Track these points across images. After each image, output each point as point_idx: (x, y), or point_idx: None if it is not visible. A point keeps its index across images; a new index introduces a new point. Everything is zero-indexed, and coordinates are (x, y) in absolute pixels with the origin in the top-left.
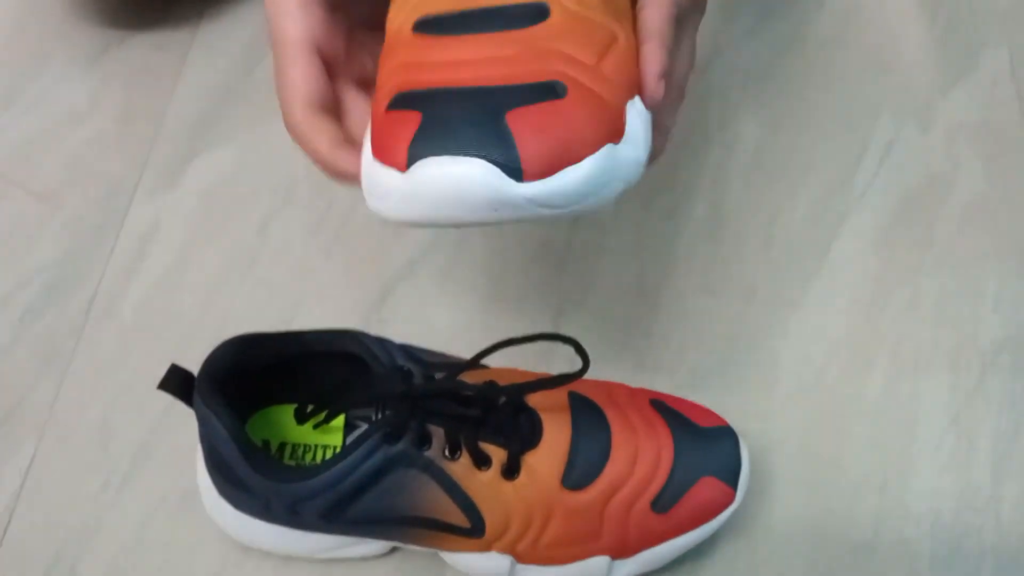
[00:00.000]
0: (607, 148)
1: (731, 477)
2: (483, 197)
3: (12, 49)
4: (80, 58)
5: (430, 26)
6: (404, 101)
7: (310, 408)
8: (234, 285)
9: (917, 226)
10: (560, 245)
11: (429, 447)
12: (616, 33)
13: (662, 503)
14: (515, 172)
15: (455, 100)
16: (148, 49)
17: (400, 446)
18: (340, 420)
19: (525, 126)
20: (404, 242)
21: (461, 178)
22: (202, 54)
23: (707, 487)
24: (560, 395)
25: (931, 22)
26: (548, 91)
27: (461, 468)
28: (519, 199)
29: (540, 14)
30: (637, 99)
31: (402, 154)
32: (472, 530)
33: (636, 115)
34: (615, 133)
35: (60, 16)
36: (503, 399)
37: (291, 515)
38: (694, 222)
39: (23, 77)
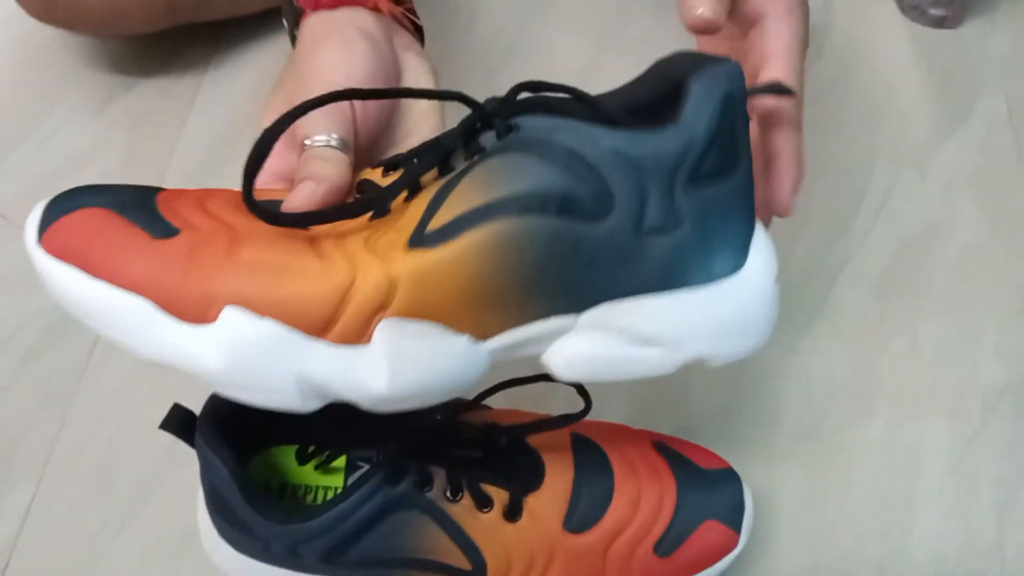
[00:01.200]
0: None
1: (735, 521)
2: None
3: (19, 93)
4: (87, 103)
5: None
6: None
7: (311, 449)
8: None
9: (916, 272)
10: None
11: (430, 488)
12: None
13: (665, 547)
14: None
15: None
16: (155, 95)
17: (401, 487)
18: (341, 461)
19: None
20: None
21: None
22: (209, 100)
23: (710, 531)
24: (562, 436)
25: (928, 71)
26: None
27: (462, 510)
28: None
29: None
30: None
31: None
32: (473, 572)
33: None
34: None
35: (68, 62)
36: (505, 440)
37: (291, 557)
38: None
39: (29, 121)
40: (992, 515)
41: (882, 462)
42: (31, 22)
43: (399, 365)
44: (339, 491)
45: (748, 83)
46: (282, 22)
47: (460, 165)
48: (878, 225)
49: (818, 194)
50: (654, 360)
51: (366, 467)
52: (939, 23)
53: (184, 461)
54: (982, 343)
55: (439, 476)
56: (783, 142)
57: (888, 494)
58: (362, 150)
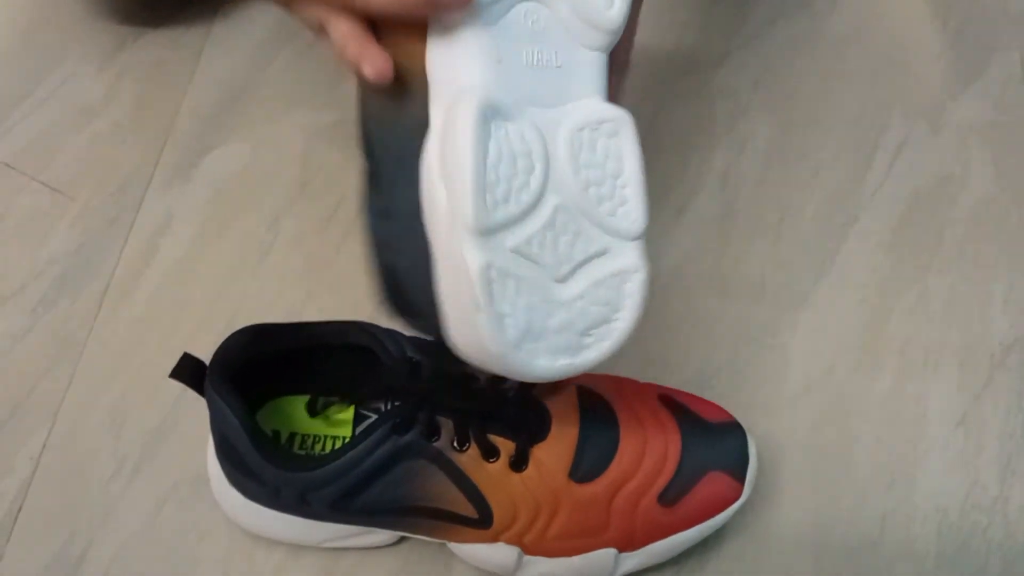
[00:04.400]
0: None
1: (739, 472)
2: None
3: (28, 45)
4: (96, 54)
5: None
6: None
7: (321, 402)
8: (246, 277)
9: (927, 227)
10: None
11: (438, 438)
12: None
13: (669, 497)
14: None
15: None
16: (163, 46)
17: (409, 437)
18: (349, 411)
19: None
20: None
21: None
22: (216, 51)
23: (714, 482)
24: (568, 388)
25: (943, 25)
26: None
27: (469, 459)
28: None
29: None
30: None
31: None
32: (480, 521)
33: None
34: None
35: (77, 13)
36: (512, 392)
37: (300, 504)
38: (704, 220)
39: (39, 72)
40: (996, 469)
41: (888, 415)
42: None
43: None
44: (347, 440)
45: None
46: None
47: None
48: (890, 180)
49: (830, 148)
50: None
51: (374, 417)
52: None
53: (195, 409)
54: (991, 298)
55: (446, 426)
56: None
57: (893, 447)
58: None
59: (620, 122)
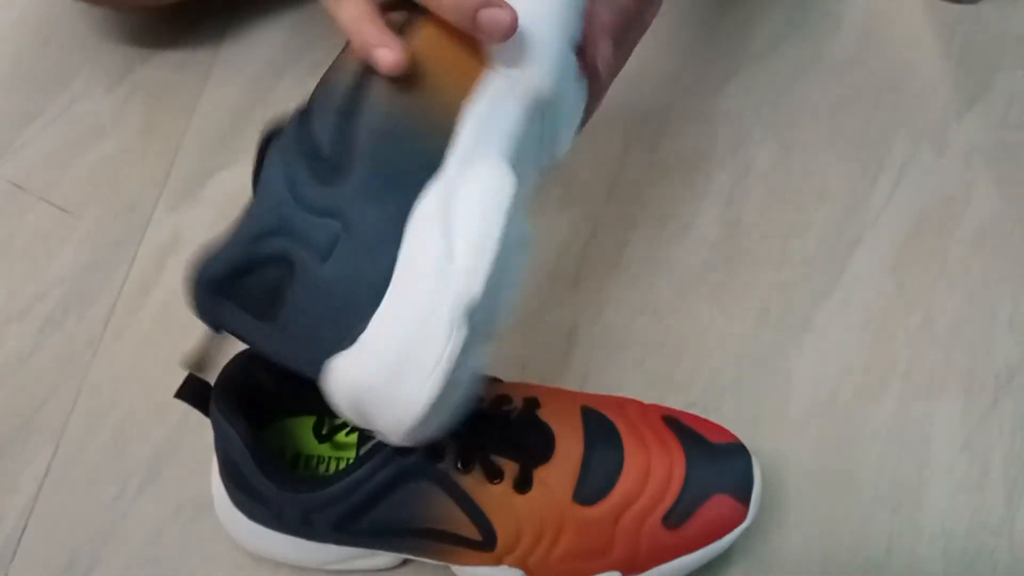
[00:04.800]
0: None
1: (743, 495)
2: None
3: (38, 65)
4: (104, 75)
5: None
6: None
7: (327, 427)
8: None
9: (931, 248)
10: (574, 262)
11: (441, 460)
12: None
13: (673, 519)
14: None
15: None
16: (171, 68)
17: (412, 458)
18: (353, 435)
19: None
20: None
21: None
22: (224, 73)
23: (719, 504)
24: (573, 409)
25: (946, 46)
26: None
27: (473, 481)
28: None
29: None
30: None
31: None
32: (483, 543)
33: None
34: None
35: (85, 35)
36: (515, 413)
37: (304, 525)
38: (708, 241)
39: (48, 93)
40: (1002, 492)
41: (893, 438)
42: None
43: None
44: (351, 461)
45: None
46: None
47: None
48: (894, 201)
49: (834, 170)
50: None
51: (378, 438)
52: None
53: (200, 430)
54: (996, 320)
55: (450, 447)
56: None
57: (899, 470)
58: None
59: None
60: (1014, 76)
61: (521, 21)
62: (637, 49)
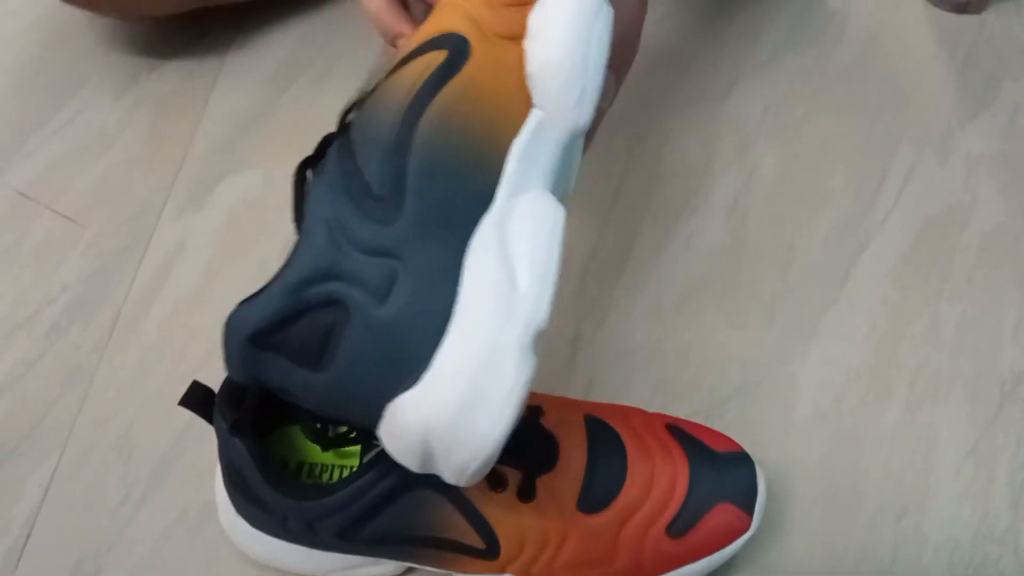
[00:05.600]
0: None
1: (747, 503)
2: None
3: (44, 75)
4: (111, 84)
5: None
6: None
7: (332, 434)
8: None
9: (936, 255)
10: (578, 269)
11: None
12: None
13: (677, 528)
14: None
15: None
16: (177, 77)
17: None
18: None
19: None
20: None
21: None
22: (230, 81)
23: (723, 513)
24: (576, 418)
25: (951, 54)
26: None
27: (476, 489)
28: None
29: None
30: None
31: None
32: (487, 551)
33: None
34: None
35: (92, 43)
36: (519, 421)
37: (307, 533)
38: (712, 248)
39: (54, 102)
40: (1008, 500)
41: (898, 445)
42: (55, 3)
43: None
44: (355, 469)
45: None
46: (302, 6)
47: None
48: (899, 208)
49: (839, 177)
50: None
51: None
52: (962, 8)
53: (204, 437)
54: (1001, 328)
55: None
56: None
57: (904, 477)
58: None
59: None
60: (1018, 86)
61: (565, 60)
62: (642, 57)
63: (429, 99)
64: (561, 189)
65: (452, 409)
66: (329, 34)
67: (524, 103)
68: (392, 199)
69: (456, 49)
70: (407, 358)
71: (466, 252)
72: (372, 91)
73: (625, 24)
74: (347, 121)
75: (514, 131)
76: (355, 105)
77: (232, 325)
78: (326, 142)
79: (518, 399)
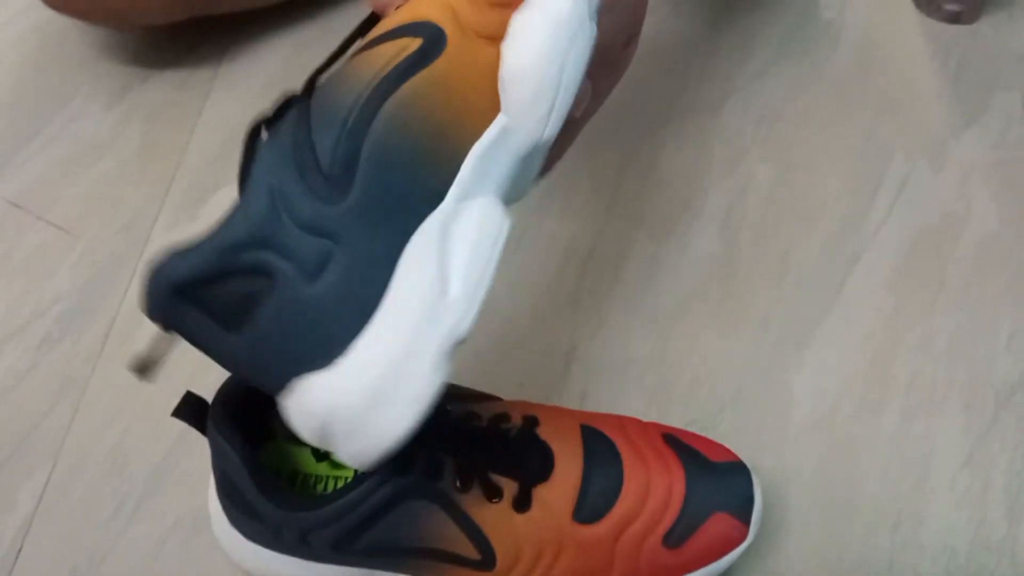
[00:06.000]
0: None
1: (744, 513)
2: None
3: (37, 84)
4: (103, 94)
5: None
6: None
7: None
8: None
9: (930, 264)
10: (573, 279)
11: (440, 478)
12: None
13: (674, 538)
14: None
15: None
16: (171, 86)
17: (411, 477)
18: None
19: None
20: None
21: None
22: (223, 92)
23: (719, 523)
24: (572, 427)
25: (944, 64)
26: None
27: (472, 500)
28: None
29: None
30: None
31: None
32: (482, 562)
33: None
34: None
35: (84, 52)
36: (514, 431)
37: (301, 545)
38: (707, 257)
39: (47, 111)
40: (1003, 509)
41: (894, 455)
42: (48, 12)
43: None
44: (349, 480)
45: None
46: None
47: None
48: (892, 217)
49: (832, 186)
50: None
51: None
52: (955, 18)
53: (197, 447)
54: (996, 337)
55: (449, 466)
56: None
57: (899, 487)
58: None
59: None
60: (1011, 95)
61: (538, 70)
62: (636, 67)
63: (395, 86)
64: (512, 198)
65: (360, 400)
66: (323, 44)
67: (491, 107)
68: (340, 180)
69: (431, 39)
70: (325, 340)
71: (405, 247)
72: (345, 60)
73: (614, 34)
74: (316, 84)
75: (476, 134)
76: (326, 67)
77: (158, 272)
78: (287, 103)
79: (426, 402)
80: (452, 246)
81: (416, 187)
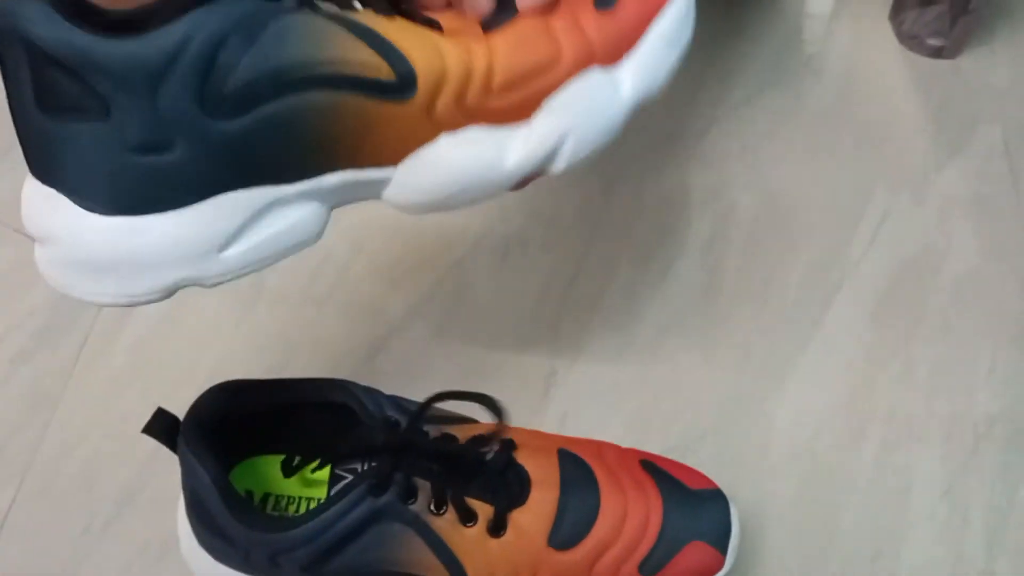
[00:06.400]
0: None
1: (720, 542)
2: None
3: None
4: None
5: None
6: None
7: (297, 461)
8: (227, 333)
9: (911, 297)
10: (555, 304)
11: (414, 501)
12: None
13: (650, 566)
14: None
15: None
16: None
17: (385, 498)
18: (325, 472)
19: None
20: (398, 296)
21: None
22: None
23: (696, 551)
24: (549, 452)
25: (926, 98)
26: None
27: (446, 523)
28: None
29: None
30: None
31: None
32: None
33: None
34: None
35: None
36: (490, 454)
37: (271, 567)
38: (688, 286)
39: None
40: (982, 541)
41: (873, 485)
42: None
43: None
44: (322, 501)
45: None
46: None
47: None
48: (874, 249)
49: (814, 217)
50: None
51: (350, 478)
52: (937, 53)
53: (168, 466)
54: (976, 369)
55: (424, 489)
56: None
57: (878, 518)
58: None
59: None
60: (992, 129)
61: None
62: None
63: (341, 87)
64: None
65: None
66: None
67: (389, 159)
68: (230, 103)
69: (398, 85)
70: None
71: (231, 192)
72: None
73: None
74: (315, 4)
75: (361, 167)
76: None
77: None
78: None
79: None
80: (261, 221)
81: (280, 163)
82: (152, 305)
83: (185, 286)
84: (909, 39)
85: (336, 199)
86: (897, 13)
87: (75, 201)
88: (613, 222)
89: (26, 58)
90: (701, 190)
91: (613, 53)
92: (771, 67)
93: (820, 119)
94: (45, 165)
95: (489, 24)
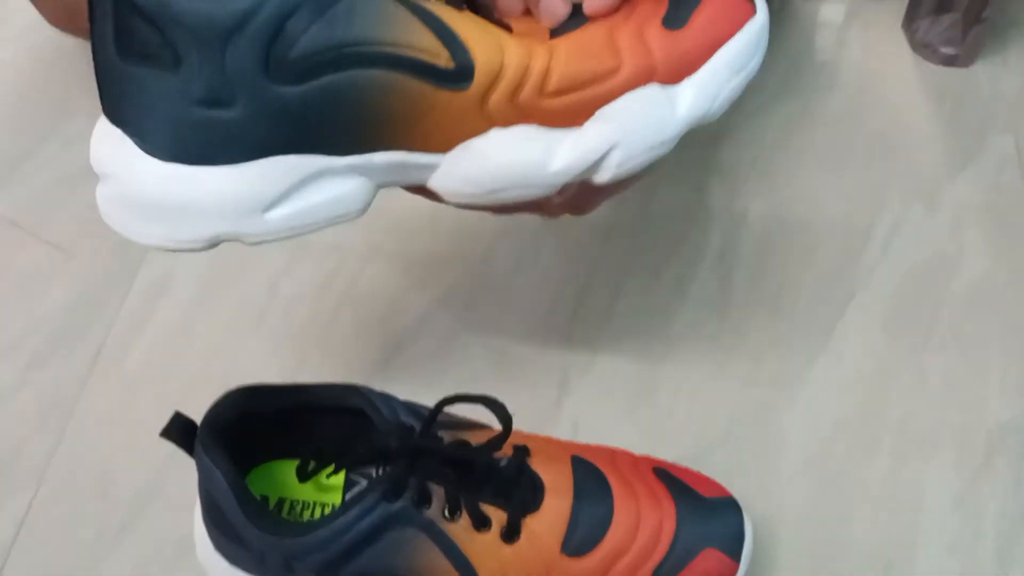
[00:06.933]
0: None
1: (734, 550)
2: None
3: (37, 101)
4: (101, 113)
5: None
6: None
7: (312, 466)
8: (242, 339)
9: (923, 306)
10: (567, 311)
11: (429, 506)
12: None
13: (663, 574)
14: None
15: None
16: None
17: (399, 504)
18: (340, 478)
19: None
20: (412, 302)
21: None
22: None
23: (709, 559)
24: (563, 458)
25: (938, 106)
26: None
27: (460, 529)
28: None
29: None
30: None
31: None
32: None
33: None
34: None
35: (86, 71)
36: (504, 460)
37: (286, 572)
38: (701, 294)
39: (46, 129)
40: (994, 552)
41: (885, 495)
42: (51, 31)
43: None
44: (336, 507)
45: None
46: None
47: None
48: (886, 259)
49: (826, 226)
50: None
51: (364, 483)
52: (950, 61)
53: (184, 471)
54: (988, 379)
55: (438, 494)
56: None
57: (891, 528)
58: None
59: None
60: (1005, 139)
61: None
62: None
63: (398, 69)
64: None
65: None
66: None
67: (439, 146)
68: (293, 70)
69: (456, 73)
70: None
71: (284, 156)
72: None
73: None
74: None
75: (412, 150)
76: None
77: None
78: None
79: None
80: (308, 188)
81: (333, 134)
82: (167, 311)
83: (227, 240)
84: (922, 48)
85: (383, 178)
86: (910, 22)
87: (138, 144)
88: (624, 230)
89: (112, 3)
90: (713, 199)
91: (675, 74)
92: (783, 76)
93: (832, 128)
94: (116, 107)
95: (558, 30)
